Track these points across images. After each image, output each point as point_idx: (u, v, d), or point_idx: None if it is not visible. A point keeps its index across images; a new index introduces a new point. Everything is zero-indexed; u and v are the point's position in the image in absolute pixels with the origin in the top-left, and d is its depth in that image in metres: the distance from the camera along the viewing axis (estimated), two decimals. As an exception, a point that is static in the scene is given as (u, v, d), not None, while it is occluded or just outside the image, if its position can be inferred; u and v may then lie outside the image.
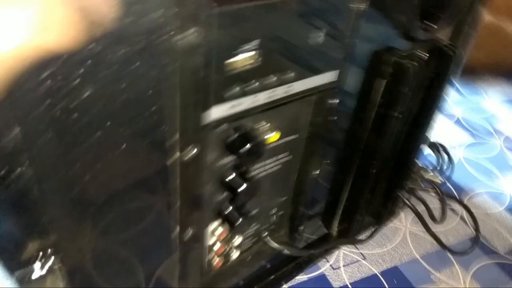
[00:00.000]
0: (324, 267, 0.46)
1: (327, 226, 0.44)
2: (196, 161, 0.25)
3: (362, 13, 0.29)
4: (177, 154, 0.24)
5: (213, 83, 0.22)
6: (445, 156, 0.58)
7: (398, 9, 0.33)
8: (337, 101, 0.33)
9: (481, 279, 0.46)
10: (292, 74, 0.27)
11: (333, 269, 0.46)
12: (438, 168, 0.58)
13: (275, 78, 0.26)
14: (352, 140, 0.38)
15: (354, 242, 0.48)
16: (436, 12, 0.35)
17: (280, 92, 0.27)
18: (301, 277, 0.44)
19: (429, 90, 0.39)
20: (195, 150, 0.24)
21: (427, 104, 0.40)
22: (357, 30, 0.30)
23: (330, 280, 0.45)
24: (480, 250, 0.50)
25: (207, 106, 0.23)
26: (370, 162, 0.39)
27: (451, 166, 0.59)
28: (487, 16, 0.84)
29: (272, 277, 0.42)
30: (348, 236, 0.44)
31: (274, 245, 0.37)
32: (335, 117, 0.34)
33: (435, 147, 0.59)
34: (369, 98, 0.36)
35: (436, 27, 0.36)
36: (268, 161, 0.32)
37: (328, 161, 0.38)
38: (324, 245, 0.45)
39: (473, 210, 0.56)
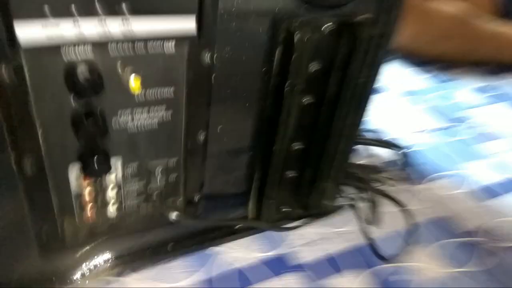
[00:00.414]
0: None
1: (240, 205, 0.43)
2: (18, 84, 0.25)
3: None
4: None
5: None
6: (402, 150, 0.59)
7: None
8: (209, 59, 0.31)
9: (440, 256, 0.47)
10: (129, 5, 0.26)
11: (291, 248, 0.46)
12: (395, 162, 0.59)
13: (103, 5, 0.25)
14: (254, 111, 0.37)
15: (274, 228, 0.45)
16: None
17: (117, 26, 0.26)
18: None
19: (348, 71, 0.36)
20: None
21: (348, 87, 0.37)
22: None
23: (290, 260, 0.45)
24: (437, 230, 0.50)
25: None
26: (273, 139, 0.37)
27: (406, 158, 0.60)
28: (454, 9, 0.85)
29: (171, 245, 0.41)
30: (260, 219, 0.42)
31: (163, 209, 0.36)
32: (215, 77, 0.33)
33: (387, 143, 0.60)
34: (265, 66, 0.35)
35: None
36: (135, 110, 0.31)
37: (224, 127, 0.37)
38: (236, 224, 0.43)
39: (434, 192, 0.56)
